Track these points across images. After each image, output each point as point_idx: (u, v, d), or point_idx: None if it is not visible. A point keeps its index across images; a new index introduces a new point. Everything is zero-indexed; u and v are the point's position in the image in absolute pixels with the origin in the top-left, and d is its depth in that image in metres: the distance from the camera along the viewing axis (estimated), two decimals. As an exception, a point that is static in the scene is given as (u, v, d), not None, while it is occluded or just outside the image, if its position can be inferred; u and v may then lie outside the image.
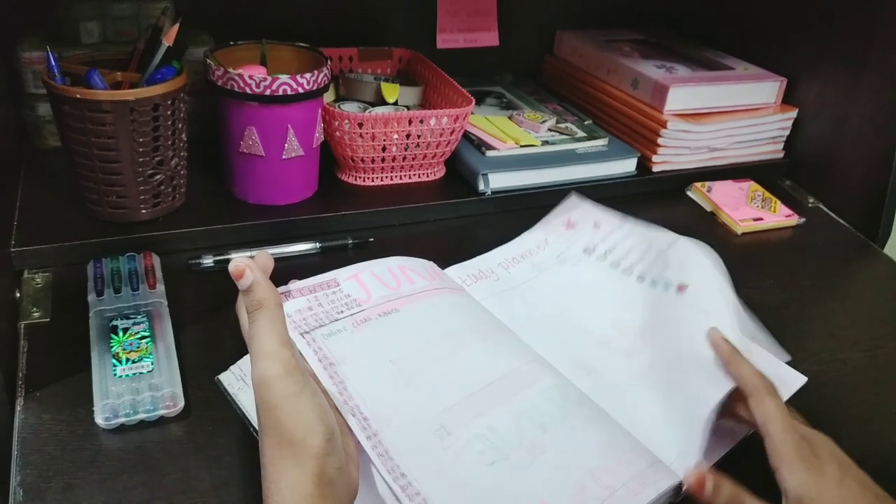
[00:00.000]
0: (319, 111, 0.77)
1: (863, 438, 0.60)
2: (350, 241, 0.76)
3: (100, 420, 0.52)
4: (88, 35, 0.80)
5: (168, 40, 0.68)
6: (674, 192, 0.94)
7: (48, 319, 0.62)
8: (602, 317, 0.67)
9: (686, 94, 0.91)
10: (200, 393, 0.56)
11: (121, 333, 0.59)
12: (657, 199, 0.92)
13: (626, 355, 0.63)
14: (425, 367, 0.54)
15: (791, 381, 0.64)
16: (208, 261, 0.70)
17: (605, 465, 0.51)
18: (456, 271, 0.71)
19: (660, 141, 0.91)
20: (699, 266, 0.65)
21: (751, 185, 0.95)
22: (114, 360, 0.57)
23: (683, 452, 0.55)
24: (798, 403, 0.62)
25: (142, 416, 0.53)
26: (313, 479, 0.41)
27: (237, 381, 0.56)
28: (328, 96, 0.86)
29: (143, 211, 0.72)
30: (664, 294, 0.65)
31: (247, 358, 0.56)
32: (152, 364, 0.57)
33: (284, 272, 0.72)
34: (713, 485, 0.49)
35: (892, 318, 0.76)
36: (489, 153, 0.86)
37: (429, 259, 0.71)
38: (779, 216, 0.90)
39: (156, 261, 0.69)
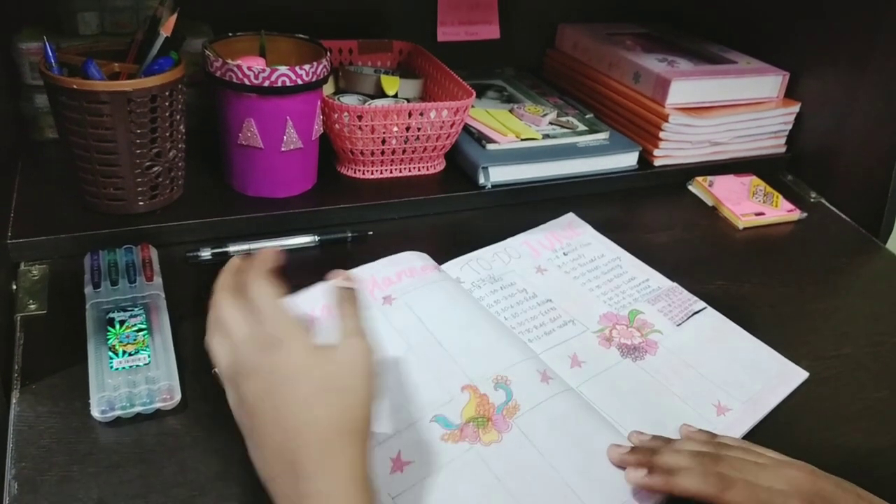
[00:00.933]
0: (319, 103, 0.76)
1: (866, 434, 0.59)
2: (349, 235, 0.75)
3: (96, 413, 0.52)
4: (86, 26, 0.80)
5: (166, 31, 0.67)
6: (675, 186, 0.94)
7: (45, 312, 0.62)
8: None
9: (688, 87, 0.91)
10: (197, 386, 0.56)
11: (118, 326, 0.59)
12: (658, 193, 0.92)
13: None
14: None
15: (793, 376, 0.64)
16: (206, 253, 0.70)
17: None
18: (454, 264, 0.71)
19: (661, 135, 0.90)
20: None
21: (752, 180, 0.95)
22: (110, 353, 0.56)
23: None
24: (800, 399, 0.62)
25: (138, 408, 0.53)
26: (365, 462, 0.43)
27: None
28: (328, 88, 0.86)
29: (141, 203, 0.71)
30: None
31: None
32: (149, 357, 0.56)
33: (284, 265, 0.72)
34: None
35: (894, 314, 0.76)
36: (490, 146, 0.85)
37: (428, 253, 0.71)
38: (781, 211, 0.89)
39: (153, 253, 0.68)
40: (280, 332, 0.46)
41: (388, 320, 0.60)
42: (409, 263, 0.66)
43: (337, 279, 0.51)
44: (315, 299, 0.59)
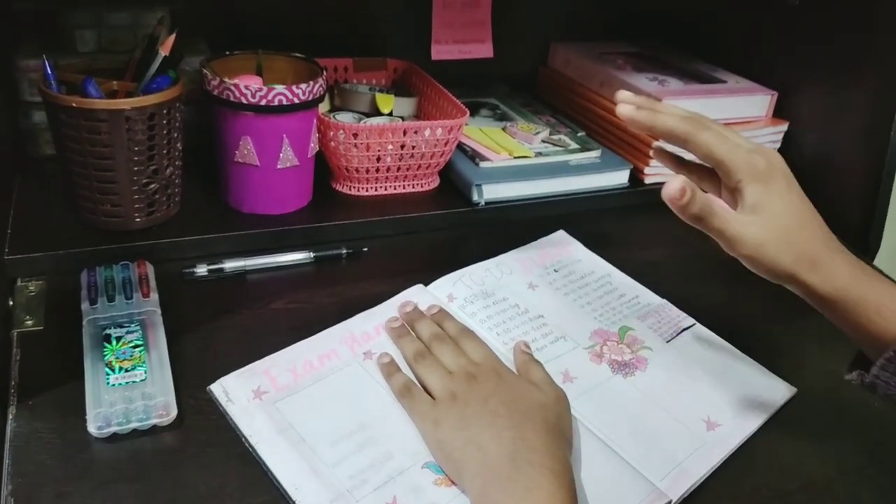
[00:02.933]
0: (314, 121, 0.77)
1: (860, 448, 0.60)
2: (344, 251, 0.76)
3: (92, 429, 0.52)
4: (84, 43, 0.80)
5: (164, 50, 0.68)
6: (666, 204, 0.94)
7: (41, 327, 0.62)
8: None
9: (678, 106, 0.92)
10: (193, 402, 0.56)
11: (114, 342, 0.59)
12: (649, 210, 0.92)
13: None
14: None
15: (782, 391, 0.65)
16: (202, 270, 0.70)
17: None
18: (447, 280, 0.72)
19: (652, 153, 0.91)
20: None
21: (742, 198, 0.96)
22: (107, 369, 0.57)
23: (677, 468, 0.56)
24: (790, 414, 0.63)
25: (134, 424, 0.53)
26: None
27: (224, 394, 0.56)
28: (323, 106, 0.87)
29: (138, 219, 0.72)
30: None
31: (229, 376, 0.58)
32: (145, 373, 0.57)
33: (279, 282, 0.72)
34: (690, 195, 0.50)
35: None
36: (483, 164, 0.87)
37: (422, 269, 0.72)
38: (770, 228, 0.91)
39: (150, 269, 0.69)
40: (506, 370, 0.59)
41: (371, 375, 0.61)
42: (387, 315, 0.67)
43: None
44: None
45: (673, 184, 0.50)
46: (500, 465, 0.49)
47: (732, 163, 0.54)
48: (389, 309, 0.68)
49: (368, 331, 0.65)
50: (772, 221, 0.52)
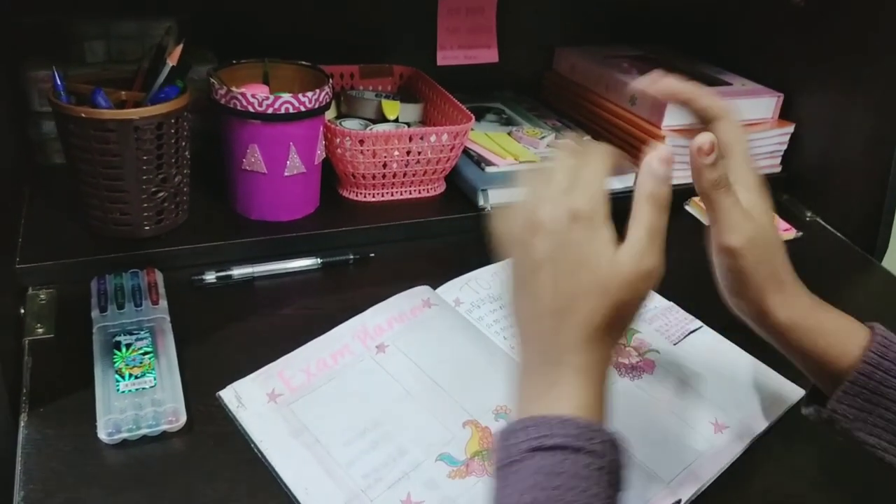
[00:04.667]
0: (321, 129, 0.77)
1: (864, 453, 0.60)
2: (351, 257, 0.77)
3: (103, 435, 0.53)
4: (93, 54, 0.81)
5: (172, 60, 0.69)
6: (672, 206, 0.94)
7: (52, 335, 0.63)
8: None
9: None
10: (202, 408, 0.57)
11: (124, 349, 0.60)
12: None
13: None
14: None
15: (789, 394, 0.64)
16: (211, 277, 0.71)
17: None
18: (454, 285, 0.72)
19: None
20: None
21: (749, 200, 0.96)
22: (117, 376, 0.57)
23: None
24: (796, 417, 0.62)
25: (144, 431, 0.53)
26: (610, 362, 0.47)
27: (235, 399, 0.57)
28: (330, 113, 0.87)
29: (147, 227, 0.73)
30: None
31: (244, 380, 0.58)
32: (155, 379, 0.57)
33: (286, 288, 0.73)
34: (718, 153, 0.49)
35: (890, 331, 0.76)
36: (488, 169, 0.87)
37: (429, 274, 0.73)
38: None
39: (159, 277, 0.69)
40: (594, 214, 0.45)
41: (384, 368, 0.62)
42: (399, 308, 0.67)
43: (654, 161, 0.46)
44: None
45: (704, 136, 0.48)
46: (533, 352, 0.45)
47: (741, 165, 0.53)
48: (401, 301, 0.68)
49: (381, 324, 0.66)
50: (760, 230, 0.52)
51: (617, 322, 0.44)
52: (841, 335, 0.52)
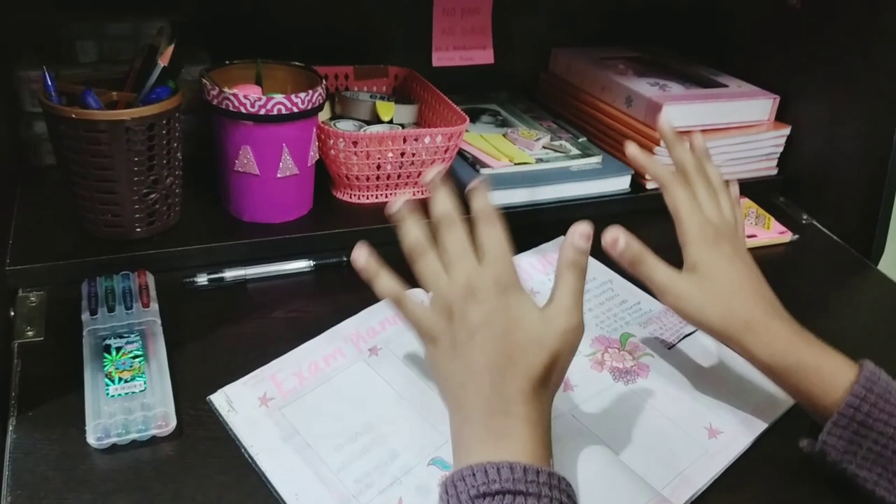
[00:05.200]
0: (314, 130, 0.77)
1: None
2: (344, 259, 0.76)
3: (92, 440, 0.52)
4: (85, 54, 0.81)
5: (163, 61, 0.69)
6: (667, 209, 0.94)
7: (42, 338, 0.63)
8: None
9: (679, 111, 0.92)
10: (193, 412, 0.56)
11: (114, 352, 0.59)
12: (651, 216, 0.92)
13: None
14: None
15: (784, 398, 0.64)
16: (202, 279, 0.70)
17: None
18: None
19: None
20: None
21: (744, 202, 0.95)
22: (106, 380, 0.57)
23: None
24: (791, 422, 0.62)
25: (134, 435, 0.53)
26: (549, 416, 0.50)
27: (226, 403, 0.56)
28: (324, 114, 0.87)
29: (138, 229, 0.72)
30: None
31: (235, 384, 0.57)
32: (145, 383, 0.57)
33: (279, 290, 0.72)
34: (624, 243, 0.58)
35: (886, 335, 0.76)
36: (484, 171, 0.86)
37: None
38: (772, 233, 0.90)
39: (150, 279, 0.69)
40: (513, 279, 0.51)
41: (376, 371, 0.61)
42: (391, 311, 0.67)
43: (576, 235, 0.51)
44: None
45: (610, 232, 0.58)
46: (476, 408, 0.47)
47: (685, 223, 0.61)
48: None
49: (374, 326, 0.65)
50: (705, 281, 0.58)
51: (552, 374, 0.49)
52: (824, 373, 0.54)
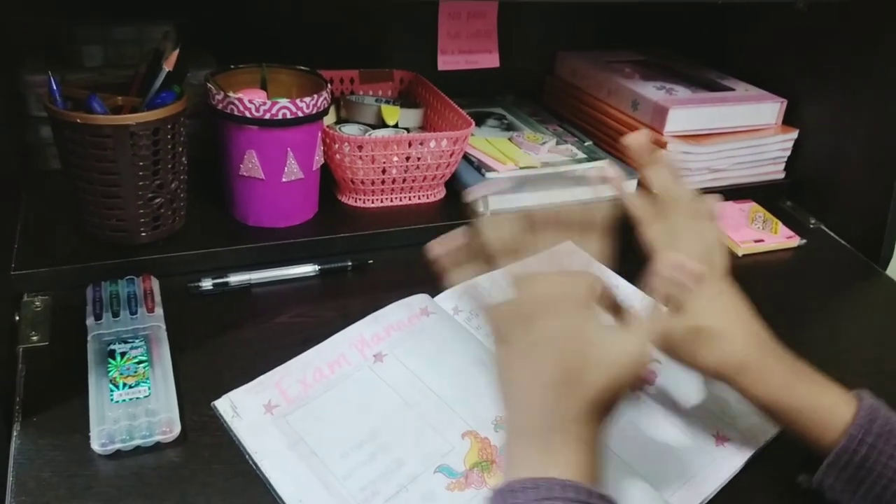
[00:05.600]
0: (319, 134, 0.77)
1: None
2: (350, 264, 0.76)
3: (96, 446, 0.52)
4: (91, 58, 0.81)
5: (168, 66, 0.68)
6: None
7: (47, 343, 0.63)
8: None
9: (686, 115, 0.92)
10: (197, 418, 0.56)
11: (118, 358, 0.59)
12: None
13: None
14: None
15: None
16: (207, 284, 0.70)
17: None
18: (453, 292, 0.72)
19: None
20: None
21: (752, 207, 0.95)
22: (111, 385, 0.57)
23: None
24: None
25: (138, 441, 0.53)
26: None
27: (231, 409, 0.56)
28: (329, 118, 0.87)
29: (143, 234, 0.72)
30: None
31: (239, 390, 0.57)
32: (149, 389, 0.57)
33: (284, 295, 0.72)
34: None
35: (894, 340, 0.76)
36: (489, 175, 0.86)
37: (427, 281, 0.72)
38: (780, 237, 0.90)
39: (155, 284, 0.69)
40: (593, 296, 0.50)
41: (382, 378, 0.61)
42: (397, 316, 0.67)
43: (668, 267, 0.54)
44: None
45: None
46: (533, 419, 0.46)
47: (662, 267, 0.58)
48: (399, 309, 0.68)
49: (379, 332, 0.65)
50: (689, 322, 0.55)
51: (613, 399, 0.47)
52: (822, 412, 0.53)
